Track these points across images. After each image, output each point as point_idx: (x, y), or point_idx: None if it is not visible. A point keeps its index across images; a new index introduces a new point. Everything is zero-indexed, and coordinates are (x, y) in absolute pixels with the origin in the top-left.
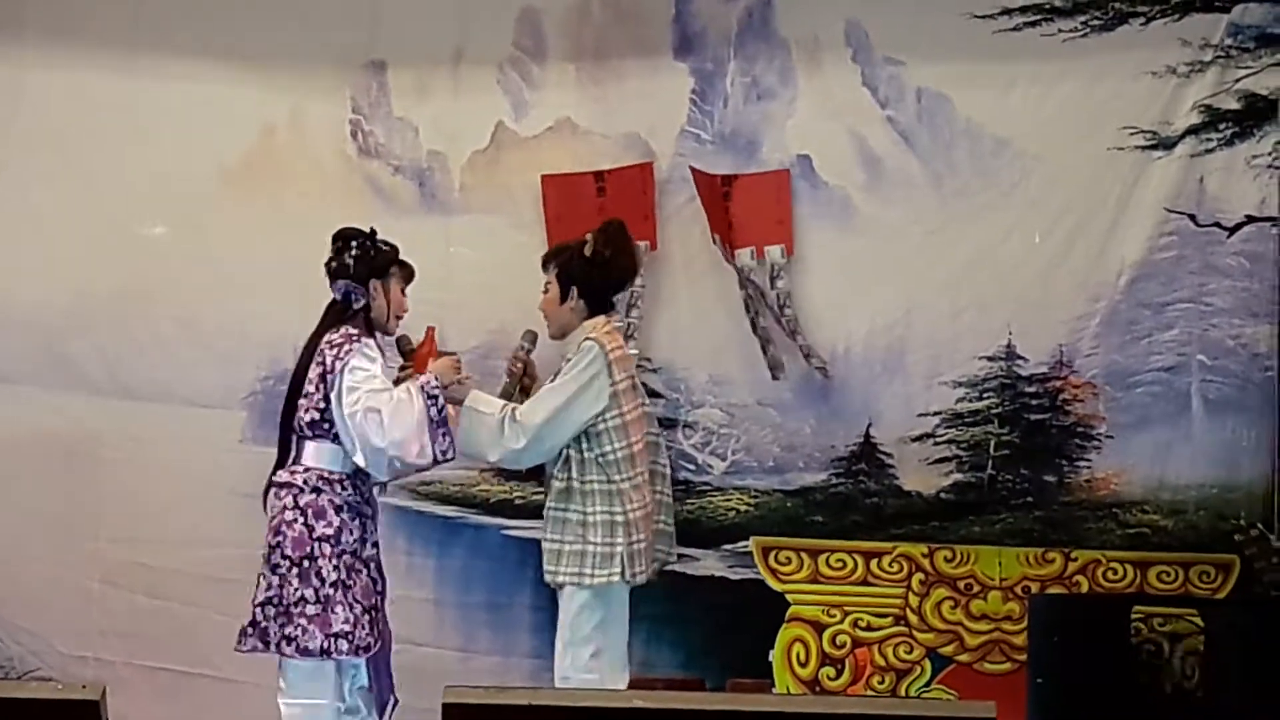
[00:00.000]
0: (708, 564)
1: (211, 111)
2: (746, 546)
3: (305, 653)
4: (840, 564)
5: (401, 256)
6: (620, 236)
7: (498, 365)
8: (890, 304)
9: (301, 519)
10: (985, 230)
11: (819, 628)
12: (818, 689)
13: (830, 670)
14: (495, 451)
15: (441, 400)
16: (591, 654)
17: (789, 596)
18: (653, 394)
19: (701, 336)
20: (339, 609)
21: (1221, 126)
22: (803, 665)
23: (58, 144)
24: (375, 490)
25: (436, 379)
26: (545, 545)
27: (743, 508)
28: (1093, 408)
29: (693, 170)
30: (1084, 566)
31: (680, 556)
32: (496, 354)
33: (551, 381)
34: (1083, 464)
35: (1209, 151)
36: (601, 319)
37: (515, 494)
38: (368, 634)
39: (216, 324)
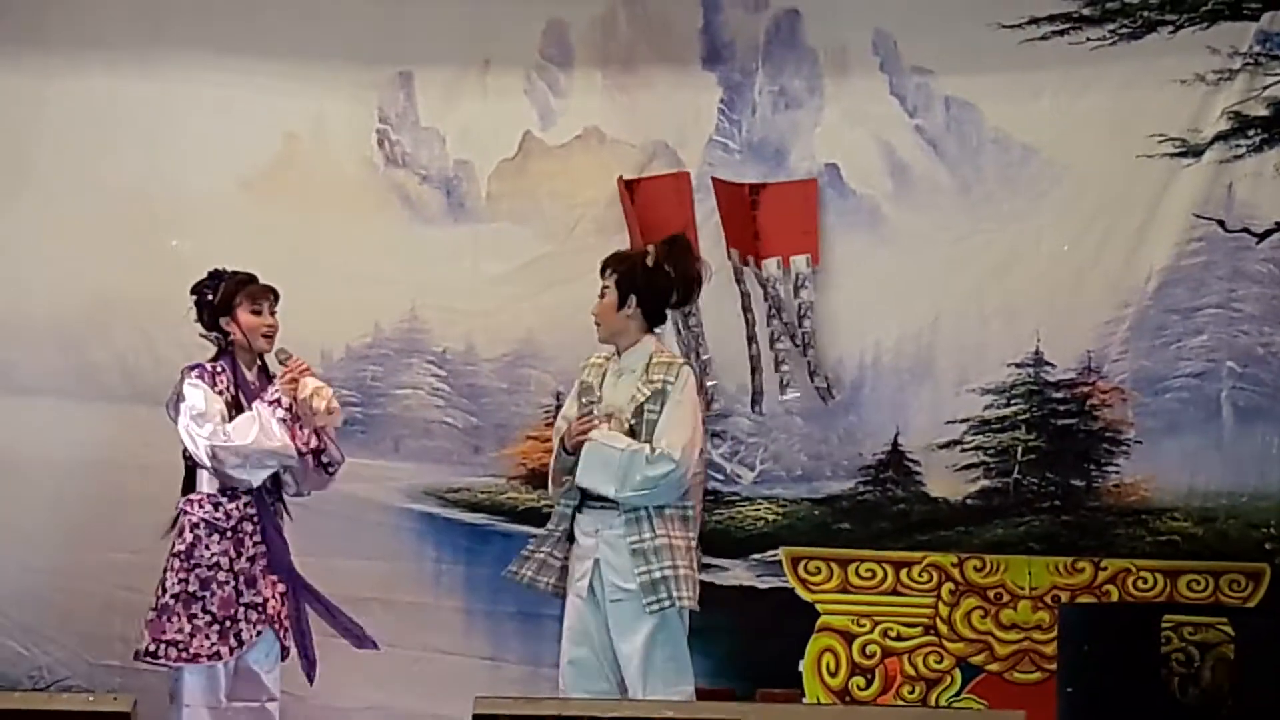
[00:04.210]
0: (737, 574)
1: (235, 120)
2: (775, 556)
3: (136, 655)
4: (870, 574)
5: (252, 280)
6: (684, 252)
7: (524, 374)
8: (918, 311)
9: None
10: (1013, 238)
11: (849, 637)
12: (848, 699)
13: (860, 680)
14: (629, 484)
15: (287, 401)
16: (680, 670)
17: (819, 606)
18: None
19: (729, 345)
20: (174, 619)
21: (1250, 133)
22: (833, 675)
23: (80, 153)
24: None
25: (278, 389)
26: (638, 578)
27: (771, 517)
28: (1121, 413)
29: (715, 181)
30: (1114, 575)
31: (709, 566)
32: (523, 362)
33: (653, 410)
34: (1111, 469)
35: (1238, 158)
36: (655, 339)
37: (544, 502)
38: (214, 644)
39: None
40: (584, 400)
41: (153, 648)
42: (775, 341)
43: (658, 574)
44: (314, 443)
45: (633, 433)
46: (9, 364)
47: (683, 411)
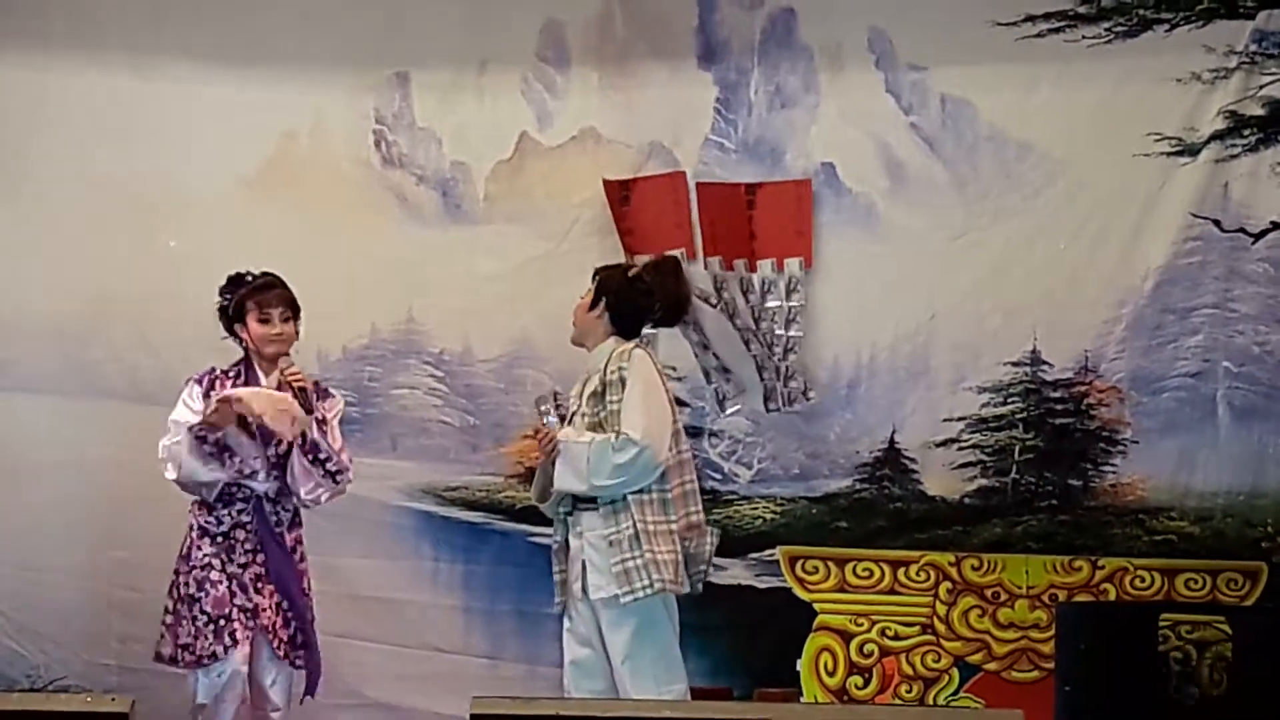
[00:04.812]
0: (735, 573)
1: (233, 120)
2: (773, 555)
3: (158, 658)
4: (867, 573)
5: (265, 288)
6: (671, 275)
7: (521, 374)
8: (914, 310)
9: None
10: (1009, 236)
11: (847, 636)
12: (845, 698)
13: (858, 679)
14: (602, 475)
15: (214, 436)
16: (670, 669)
17: (816, 605)
18: (679, 403)
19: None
20: (184, 623)
21: (1246, 132)
22: (830, 674)
23: (78, 152)
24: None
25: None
26: (613, 570)
27: (769, 516)
28: (1118, 412)
29: (700, 186)
30: (1111, 574)
31: None
32: (520, 363)
33: (614, 399)
34: (1108, 468)
35: (1234, 157)
36: (630, 343)
37: None
38: (210, 643)
39: None
40: (573, 408)
41: (173, 653)
42: (749, 348)
43: (630, 563)
44: (247, 467)
45: (601, 426)
46: (7, 362)
47: (637, 393)
